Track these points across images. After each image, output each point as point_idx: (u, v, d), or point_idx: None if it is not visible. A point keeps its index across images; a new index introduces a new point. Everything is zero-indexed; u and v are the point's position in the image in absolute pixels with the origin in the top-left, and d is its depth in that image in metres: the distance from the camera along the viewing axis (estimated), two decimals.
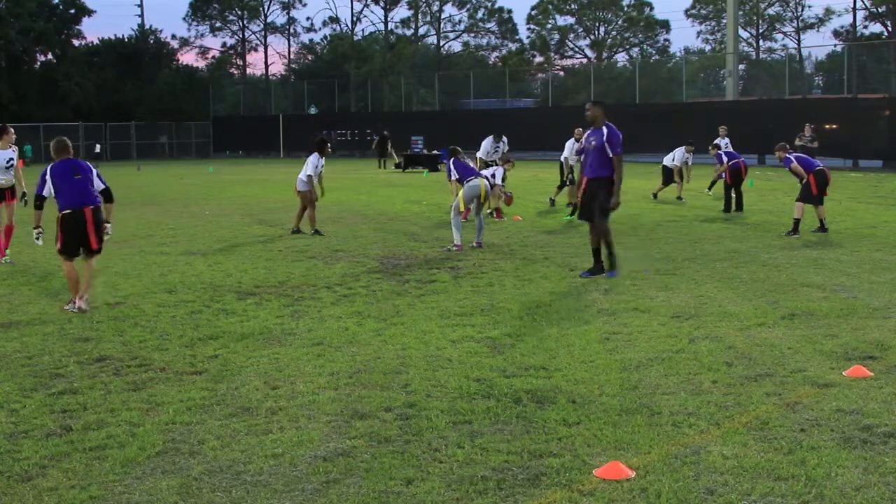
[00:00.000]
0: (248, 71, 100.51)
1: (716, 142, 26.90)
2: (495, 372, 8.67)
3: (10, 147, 16.21)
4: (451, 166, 19.10)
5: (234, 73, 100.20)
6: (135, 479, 6.16)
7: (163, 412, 7.56)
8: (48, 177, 12.03)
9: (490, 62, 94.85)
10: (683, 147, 28.38)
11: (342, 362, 9.06)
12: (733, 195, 24.10)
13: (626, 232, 19.11)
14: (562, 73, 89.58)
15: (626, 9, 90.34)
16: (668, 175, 28.22)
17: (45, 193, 12.07)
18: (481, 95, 73.28)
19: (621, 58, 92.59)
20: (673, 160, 28.24)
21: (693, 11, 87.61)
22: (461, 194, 17.74)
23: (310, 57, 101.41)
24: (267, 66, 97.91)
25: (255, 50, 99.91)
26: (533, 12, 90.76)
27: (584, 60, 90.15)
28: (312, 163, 20.07)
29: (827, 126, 37.56)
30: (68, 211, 11.86)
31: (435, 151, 50.85)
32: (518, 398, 7.84)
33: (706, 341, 9.87)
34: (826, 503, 5.71)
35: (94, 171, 12.31)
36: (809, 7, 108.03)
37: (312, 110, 78.38)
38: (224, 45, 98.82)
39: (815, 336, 10.10)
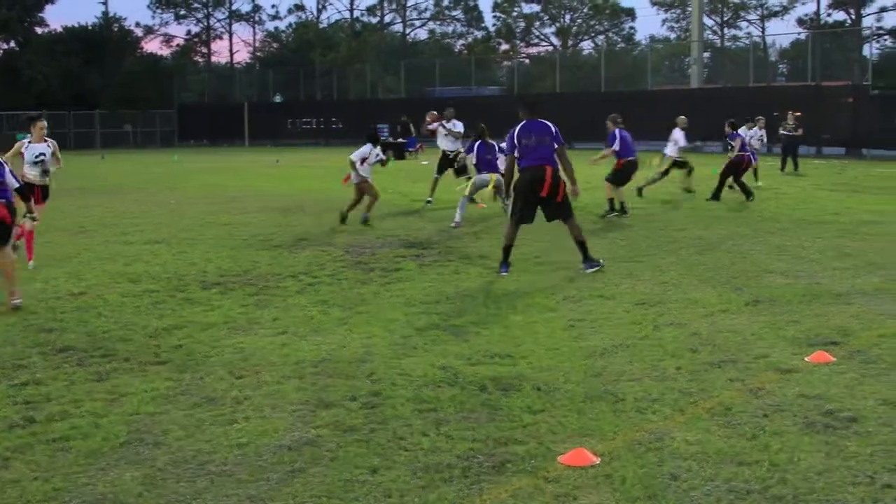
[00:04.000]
0: (213, 59, 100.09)
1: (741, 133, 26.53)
2: (460, 360, 8.68)
3: (45, 141, 15.12)
4: (475, 148, 19.57)
5: (198, 61, 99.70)
6: (99, 470, 6.13)
7: (127, 403, 7.53)
8: None
9: (456, 50, 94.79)
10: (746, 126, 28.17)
11: (307, 351, 9.05)
12: (735, 185, 24.17)
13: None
14: (527, 60, 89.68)
15: None
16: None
17: None
18: (447, 83, 73.17)
19: (587, 46, 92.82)
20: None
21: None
22: (471, 182, 18.93)
23: (275, 45, 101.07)
24: (232, 55, 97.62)
25: (220, 38, 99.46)
26: (499, 0, 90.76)
27: (550, 48, 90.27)
28: (363, 153, 19.41)
29: (792, 113, 37.65)
30: None
31: (401, 140, 50.80)
32: (483, 386, 7.85)
33: (670, 328, 9.92)
34: (789, 488, 5.74)
35: (7, 169, 11.67)
36: None
37: (277, 98, 78.10)
38: (189, 32, 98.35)
39: (778, 322, 10.17)
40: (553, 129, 13.58)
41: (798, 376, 8.13)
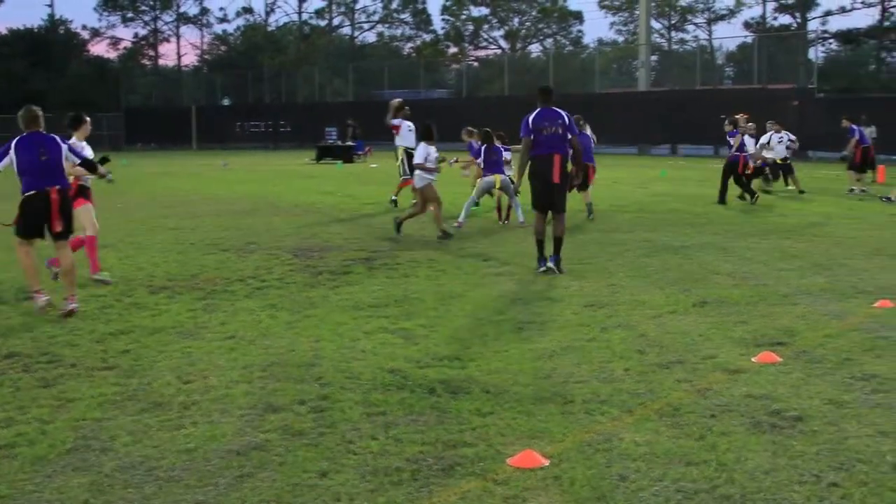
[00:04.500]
0: (161, 62, 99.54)
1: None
2: (409, 363, 8.68)
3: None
4: (482, 152, 19.48)
5: (146, 64, 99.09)
6: (45, 477, 6.08)
7: (73, 409, 7.46)
8: (12, 151, 11.13)
9: (404, 53, 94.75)
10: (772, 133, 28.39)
11: (255, 355, 9.01)
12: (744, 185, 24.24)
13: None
14: (476, 63, 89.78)
15: (539, 0, 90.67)
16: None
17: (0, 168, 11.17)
18: (396, 86, 73.15)
19: (535, 49, 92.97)
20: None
21: (606, 3, 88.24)
22: (477, 185, 19.11)
23: (223, 48, 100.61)
24: (179, 57, 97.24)
25: (168, 41, 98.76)
26: (447, 3, 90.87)
27: (499, 51, 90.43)
28: (421, 153, 18.11)
29: (742, 116, 37.94)
30: (32, 192, 11.11)
31: (349, 143, 50.71)
32: (432, 389, 7.85)
33: (618, 329, 9.96)
34: (736, 487, 5.79)
35: (65, 146, 11.55)
36: None
37: (225, 102, 77.77)
38: (136, 35, 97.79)
39: (725, 323, 10.25)
40: (567, 117, 13.97)
41: (745, 377, 8.20)
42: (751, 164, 24.08)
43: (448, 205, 19.40)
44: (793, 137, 28.33)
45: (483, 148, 19.36)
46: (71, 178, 12.37)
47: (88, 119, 13.99)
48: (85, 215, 13.16)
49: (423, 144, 18.16)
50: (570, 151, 13.94)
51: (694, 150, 53.31)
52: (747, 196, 23.79)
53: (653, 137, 55.07)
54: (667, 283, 12.73)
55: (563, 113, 14.03)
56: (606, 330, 9.97)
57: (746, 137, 24.43)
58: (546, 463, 6.15)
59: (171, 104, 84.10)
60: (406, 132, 24.01)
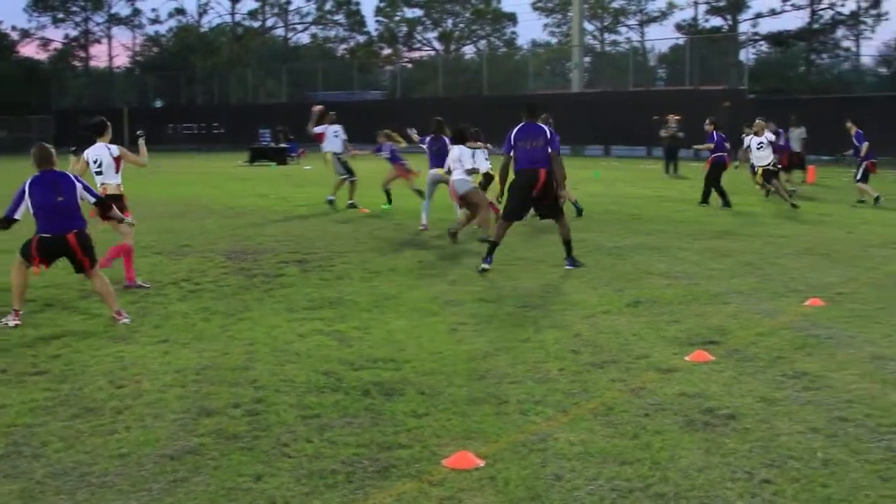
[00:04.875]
0: (92, 63, 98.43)
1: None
2: (344, 365, 8.66)
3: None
4: (426, 140, 19.59)
5: (77, 65, 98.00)
6: None
7: (4, 415, 7.37)
8: (27, 195, 10.66)
9: (338, 54, 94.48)
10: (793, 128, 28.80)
11: (189, 359, 8.96)
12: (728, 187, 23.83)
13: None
14: (410, 65, 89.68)
15: (473, 1, 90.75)
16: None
17: (17, 216, 10.71)
18: (330, 87, 72.96)
19: (469, 50, 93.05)
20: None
21: (539, 4, 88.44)
22: (426, 180, 19.08)
23: (155, 49, 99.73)
24: (111, 59, 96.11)
25: (100, 42, 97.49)
26: (381, 4, 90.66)
27: (433, 53, 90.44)
28: (466, 156, 17.36)
29: (672, 116, 38.31)
30: (48, 235, 10.62)
31: (283, 144, 50.50)
32: (367, 391, 7.85)
33: (552, 330, 10.00)
34: (670, 485, 5.84)
35: (80, 185, 10.92)
36: (653, 1, 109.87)
37: (158, 103, 77.16)
38: (67, 36, 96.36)
39: (658, 322, 10.34)
40: (548, 132, 14.05)
41: (678, 375, 8.27)
42: (731, 166, 24.15)
43: (403, 207, 19.35)
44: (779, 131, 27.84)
45: (429, 139, 19.23)
46: (100, 190, 12.50)
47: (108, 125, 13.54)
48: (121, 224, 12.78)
49: (458, 147, 17.59)
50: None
51: (627, 152, 53.61)
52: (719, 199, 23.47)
53: (586, 138, 55.31)
54: (600, 283, 12.80)
55: (546, 128, 14.16)
56: (540, 330, 10.00)
57: (751, 138, 24.23)
58: (481, 463, 6.16)
59: (103, 106, 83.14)
60: (332, 137, 23.94)
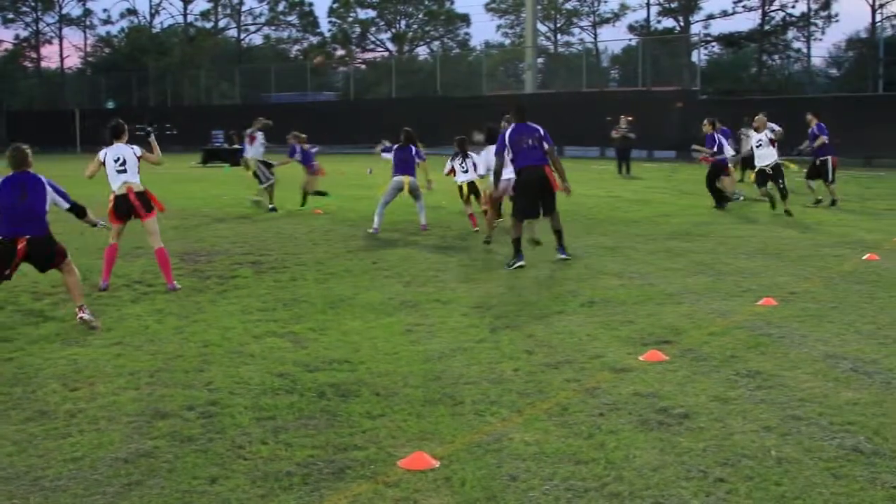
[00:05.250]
0: (43, 64, 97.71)
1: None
2: (299, 367, 8.64)
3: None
4: (391, 150, 19.27)
5: (27, 66, 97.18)
6: None
7: None
8: None
9: (291, 55, 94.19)
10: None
11: (143, 361, 8.90)
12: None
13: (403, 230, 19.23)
14: (363, 66, 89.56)
15: (426, 2, 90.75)
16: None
17: None
18: (283, 89, 72.75)
19: (423, 51, 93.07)
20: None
21: (493, 6, 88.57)
22: (387, 186, 18.91)
23: (107, 50, 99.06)
24: (62, 59, 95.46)
25: (51, 42, 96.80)
26: (334, 5, 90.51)
27: (386, 54, 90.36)
28: (483, 160, 17.91)
29: (624, 117, 38.59)
30: (1, 238, 10.39)
31: (236, 146, 50.29)
32: (322, 392, 7.83)
33: (507, 330, 10.02)
34: (625, 485, 5.85)
35: (51, 189, 10.81)
36: (605, 2, 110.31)
37: (110, 104, 76.62)
38: (17, 37, 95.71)
39: (612, 322, 10.37)
40: (541, 130, 14.66)
41: (632, 375, 8.30)
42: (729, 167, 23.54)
43: (356, 208, 19.32)
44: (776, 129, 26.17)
45: (395, 147, 19.21)
46: (124, 189, 12.75)
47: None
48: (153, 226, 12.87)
49: (488, 148, 17.56)
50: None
51: (580, 152, 53.77)
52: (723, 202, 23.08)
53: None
54: (554, 283, 12.85)
55: (539, 127, 14.66)
56: (495, 331, 10.02)
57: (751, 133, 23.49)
58: (436, 464, 6.16)
59: (54, 107, 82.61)
60: (259, 144, 24.16)
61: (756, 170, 22.40)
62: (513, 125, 14.72)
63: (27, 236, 10.39)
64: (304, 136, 23.71)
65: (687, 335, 9.78)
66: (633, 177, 35.21)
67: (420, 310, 11.20)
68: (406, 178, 18.61)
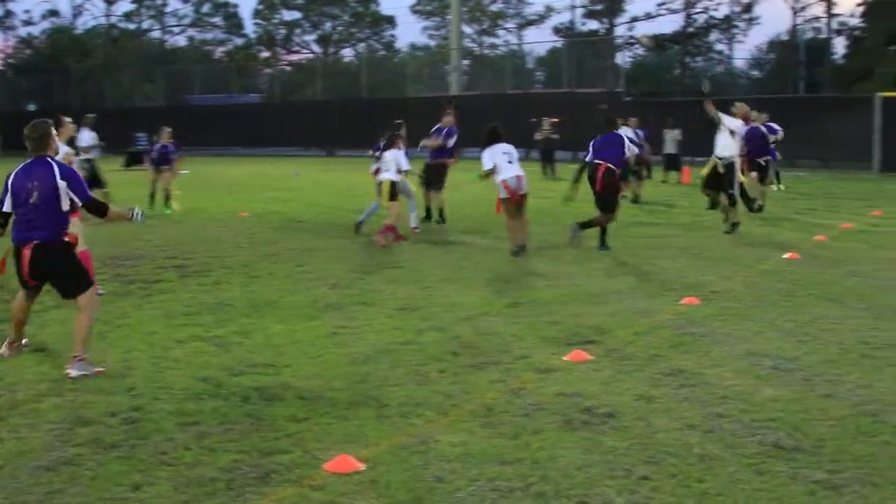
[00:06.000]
0: None
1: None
2: (223, 371, 8.58)
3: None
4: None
5: None
6: None
7: None
8: (8, 192, 8.78)
9: (216, 57, 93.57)
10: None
11: (65, 368, 8.78)
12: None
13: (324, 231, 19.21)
14: (289, 67, 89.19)
15: (352, 4, 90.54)
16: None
17: (5, 209, 8.83)
18: (208, 90, 72.25)
19: (348, 53, 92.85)
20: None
21: (418, 8, 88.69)
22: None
23: (28, 51, 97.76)
24: None
25: None
26: (259, 7, 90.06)
27: (311, 55, 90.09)
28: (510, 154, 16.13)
29: (552, 119, 38.79)
30: (13, 245, 8.79)
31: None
32: (246, 396, 7.79)
33: (432, 332, 10.04)
34: (550, 484, 5.89)
35: (72, 181, 8.76)
36: (531, 4, 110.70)
37: (31, 107, 75.65)
38: None
39: (537, 323, 10.42)
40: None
41: (557, 375, 8.35)
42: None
43: (280, 210, 19.18)
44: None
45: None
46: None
47: (69, 119, 12.20)
48: None
49: (499, 147, 16.33)
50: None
51: None
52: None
53: (465, 140, 55.44)
54: (480, 284, 12.88)
55: (623, 135, 17.20)
56: (421, 333, 10.03)
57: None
58: (362, 467, 6.15)
59: None
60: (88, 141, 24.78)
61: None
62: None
63: (34, 241, 8.65)
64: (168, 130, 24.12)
65: (611, 335, 9.86)
66: (558, 178, 35.35)
67: (345, 312, 11.18)
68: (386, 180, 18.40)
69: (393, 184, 17.38)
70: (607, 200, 16.33)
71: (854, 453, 6.39)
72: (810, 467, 6.14)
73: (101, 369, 8.56)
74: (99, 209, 9.01)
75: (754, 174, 21.57)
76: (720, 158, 18.20)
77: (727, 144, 18.18)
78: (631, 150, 17.02)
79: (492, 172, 15.59)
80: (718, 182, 18.27)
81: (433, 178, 20.26)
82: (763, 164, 22.09)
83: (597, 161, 16.47)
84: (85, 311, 8.75)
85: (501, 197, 15.68)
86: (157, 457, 6.44)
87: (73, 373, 8.41)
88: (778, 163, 24.47)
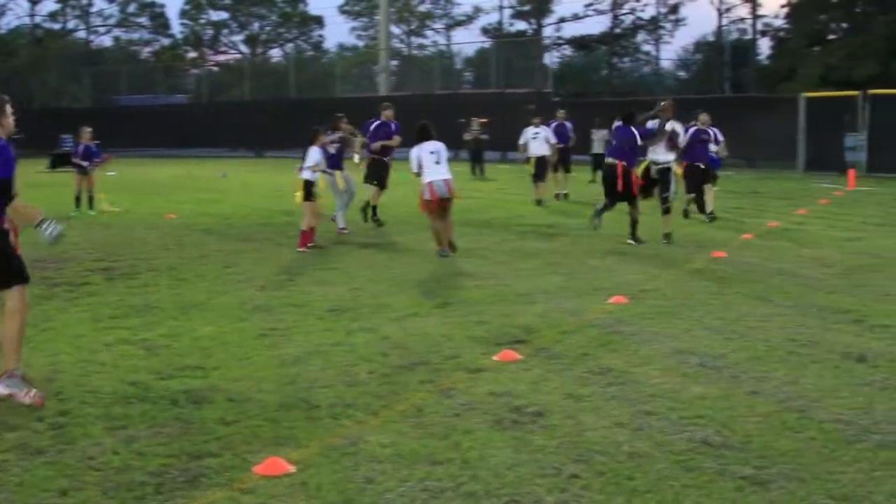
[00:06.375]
0: None
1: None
2: (151, 374, 8.51)
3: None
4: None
5: None
6: None
7: None
8: None
9: (143, 57, 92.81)
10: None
11: None
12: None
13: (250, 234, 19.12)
14: (216, 68, 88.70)
15: (280, 4, 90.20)
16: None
17: None
18: (134, 91, 71.65)
19: (276, 53, 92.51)
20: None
21: (347, 8, 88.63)
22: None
23: None
24: None
25: None
26: (186, 7, 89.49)
27: (239, 56, 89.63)
28: (435, 155, 15.60)
29: (481, 119, 38.95)
30: None
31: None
32: (175, 399, 7.72)
33: (362, 333, 10.02)
34: (480, 484, 5.90)
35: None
36: (459, 5, 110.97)
37: None
38: None
39: (466, 323, 10.44)
40: (635, 132, 16.98)
41: (487, 375, 8.37)
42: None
43: (211, 212, 19.03)
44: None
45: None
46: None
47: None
48: None
49: (430, 144, 15.91)
50: None
51: None
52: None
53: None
54: (409, 285, 12.88)
55: (634, 130, 17.05)
56: (351, 334, 10.01)
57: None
58: (292, 469, 6.13)
59: None
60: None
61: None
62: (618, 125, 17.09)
63: None
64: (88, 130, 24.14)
65: (540, 334, 9.90)
66: (487, 178, 35.48)
67: (274, 314, 11.13)
68: (337, 174, 18.66)
69: (307, 183, 16.72)
70: (629, 196, 16.84)
71: (781, 449, 6.47)
72: (738, 463, 6.20)
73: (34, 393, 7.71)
74: (7, 194, 8.03)
75: (714, 187, 21.22)
76: (655, 163, 17.71)
77: (662, 149, 17.64)
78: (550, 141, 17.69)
79: (419, 174, 15.47)
80: (651, 187, 17.71)
81: (380, 176, 20.09)
82: (703, 167, 20.52)
83: (612, 160, 16.93)
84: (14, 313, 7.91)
85: (425, 198, 15.51)
86: (85, 462, 6.37)
87: (3, 389, 7.69)
88: (719, 168, 23.48)
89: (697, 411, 7.29)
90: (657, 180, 17.65)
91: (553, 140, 25.26)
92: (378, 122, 20.26)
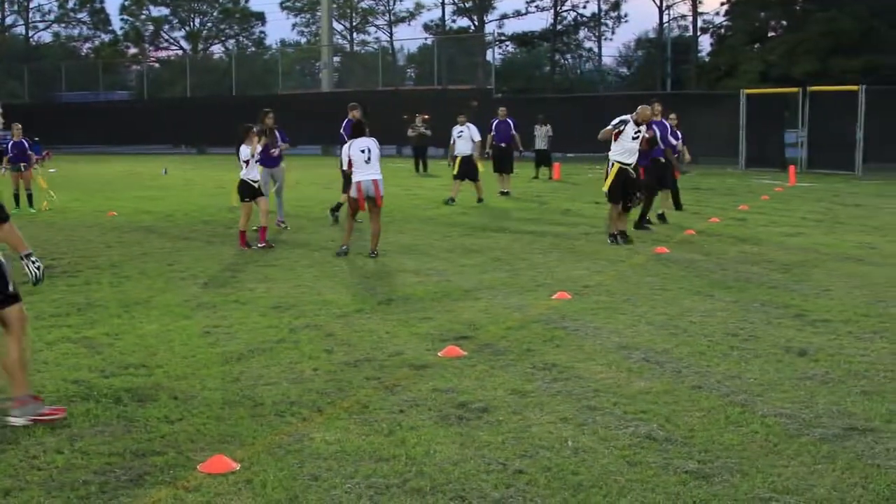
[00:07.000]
0: None
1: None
2: (94, 373, 8.45)
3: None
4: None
5: None
6: None
7: None
8: None
9: (83, 53, 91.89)
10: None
11: None
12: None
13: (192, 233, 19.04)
14: (157, 64, 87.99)
15: (221, 0, 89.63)
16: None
17: None
18: (74, 88, 71.01)
19: (217, 49, 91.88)
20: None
21: (288, 4, 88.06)
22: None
23: None
24: None
25: None
26: (126, 3, 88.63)
27: (180, 52, 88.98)
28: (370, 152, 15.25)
29: (420, 115, 38.98)
30: None
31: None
32: (118, 398, 7.67)
33: (306, 330, 10.01)
34: (426, 480, 5.91)
35: None
36: (401, 1, 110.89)
37: None
38: None
39: (411, 320, 10.45)
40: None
41: (431, 371, 8.38)
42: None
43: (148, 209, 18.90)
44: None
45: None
46: None
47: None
48: None
49: (362, 141, 15.58)
50: None
51: (382, 150, 53.89)
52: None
53: (335, 139, 55.29)
54: (353, 282, 12.87)
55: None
56: (295, 331, 9.99)
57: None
58: (237, 467, 6.11)
59: None
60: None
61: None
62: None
63: None
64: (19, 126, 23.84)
65: (484, 330, 9.93)
66: (430, 175, 35.52)
67: (218, 311, 11.09)
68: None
69: (242, 183, 16.39)
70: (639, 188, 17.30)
71: (724, 443, 6.53)
72: (682, 457, 6.26)
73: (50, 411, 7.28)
74: None
75: (666, 191, 20.46)
76: (628, 164, 16.79)
77: (632, 149, 16.83)
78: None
79: (349, 171, 15.26)
80: (625, 191, 16.78)
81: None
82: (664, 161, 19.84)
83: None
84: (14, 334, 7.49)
85: (352, 196, 15.30)
86: (28, 461, 6.32)
87: (20, 418, 7.10)
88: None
89: (641, 406, 7.34)
90: (634, 181, 17.01)
91: (477, 138, 24.90)
92: (350, 121, 20.35)
